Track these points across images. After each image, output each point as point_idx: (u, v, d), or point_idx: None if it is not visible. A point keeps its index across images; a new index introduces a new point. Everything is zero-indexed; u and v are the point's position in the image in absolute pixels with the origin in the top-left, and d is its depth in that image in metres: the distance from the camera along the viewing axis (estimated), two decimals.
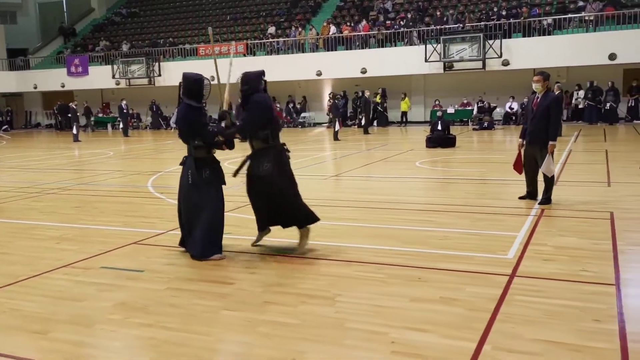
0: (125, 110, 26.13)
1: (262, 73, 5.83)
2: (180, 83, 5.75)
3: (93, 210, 8.40)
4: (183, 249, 5.75)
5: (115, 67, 30.04)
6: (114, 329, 3.89)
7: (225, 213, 5.72)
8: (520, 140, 7.70)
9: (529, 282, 4.57)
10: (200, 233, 5.47)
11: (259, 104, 5.65)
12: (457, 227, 6.47)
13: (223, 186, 5.77)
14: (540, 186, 7.61)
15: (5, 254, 5.88)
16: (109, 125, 31.59)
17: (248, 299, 4.39)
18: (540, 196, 7.63)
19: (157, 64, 29.32)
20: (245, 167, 5.80)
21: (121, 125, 26.44)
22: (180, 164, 5.82)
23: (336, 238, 6.18)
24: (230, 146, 5.84)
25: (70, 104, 26.21)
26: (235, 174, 5.73)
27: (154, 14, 37.08)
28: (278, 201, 5.58)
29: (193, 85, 5.70)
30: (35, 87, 33.00)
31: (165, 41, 31.89)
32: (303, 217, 5.68)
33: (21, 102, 36.07)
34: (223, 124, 5.82)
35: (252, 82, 5.71)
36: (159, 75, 29.18)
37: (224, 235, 5.66)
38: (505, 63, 23.25)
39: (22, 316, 4.16)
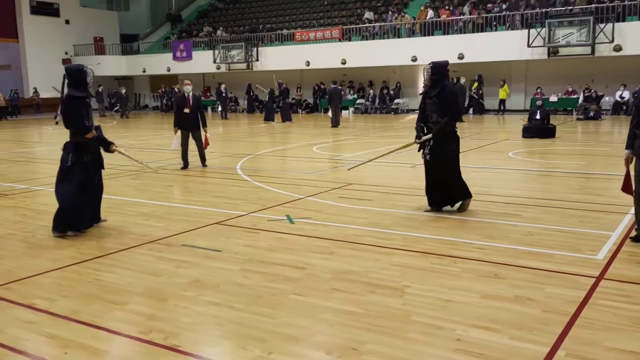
0: (224, 94, 27.07)
1: (447, 64, 6.71)
2: (64, 75, 6.13)
3: (183, 189, 8.80)
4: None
5: (216, 52, 31.14)
6: (186, 305, 4.04)
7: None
8: (628, 152, 5.37)
9: (617, 286, 4.23)
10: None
11: (454, 93, 6.89)
12: (544, 223, 6.11)
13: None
14: None
15: (98, 228, 6.29)
16: (209, 108, 32.88)
17: (316, 285, 4.40)
18: None
19: (255, 49, 30.04)
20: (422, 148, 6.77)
21: (219, 109, 27.42)
22: (62, 149, 6.15)
23: (415, 229, 6.05)
24: (102, 145, 6.23)
25: (174, 87, 27.52)
26: (421, 147, 6.76)
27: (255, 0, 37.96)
28: (452, 179, 6.58)
29: (76, 75, 6.02)
30: (144, 71, 34.97)
31: (264, 27, 32.58)
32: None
33: (131, 85, 38.38)
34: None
35: (442, 72, 6.57)
36: (257, 60, 29.89)
37: (302, 220, 5.70)
38: (618, 48, 21.56)
39: (103, 286, 4.43)
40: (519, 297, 4.06)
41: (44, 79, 33.09)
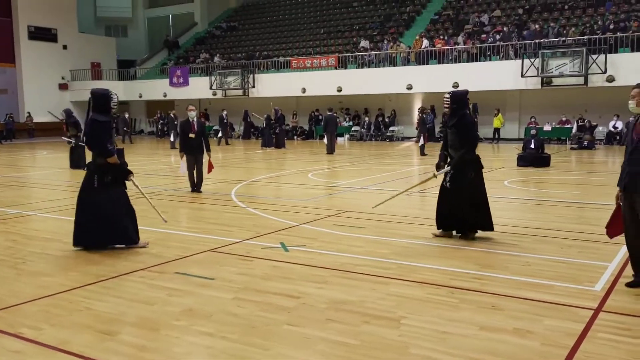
0: (225, 120, 27.21)
1: (466, 92, 6.73)
2: (89, 99, 6.22)
3: (178, 215, 8.71)
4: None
5: (212, 78, 31.34)
6: (177, 335, 3.95)
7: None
8: (619, 189, 4.94)
9: (616, 319, 4.16)
10: (124, 227, 6.28)
11: (472, 124, 6.76)
12: (542, 253, 6.07)
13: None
14: None
15: (90, 254, 6.20)
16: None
17: (311, 315, 4.32)
18: None
19: (251, 75, 30.25)
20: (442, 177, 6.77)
21: (219, 134, 27.49)
22: (84, 169, 6.45)
23: (412, 257, 5.99)
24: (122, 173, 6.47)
25: (170, 113, 27.60)
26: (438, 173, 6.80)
27: (251, 27, 38.40)
28: (477, 203, 6.56)
29: (100, 99, 6.19)
30: (141, 96, 35.09)
31: (261, 54, 32.88)
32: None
33: (127, 110, 38.45)
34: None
35: (461, 101, 6.61)
36: (253, 86, 30.07)
37: (297, 247, 5.65)
38: (610, 79, 21.83)
39: (94, 315, 4.33)
40: (518, 329, 3.99)
41: (40, 103, 33.12)
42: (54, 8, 34.81)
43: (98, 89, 6.42)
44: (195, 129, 10.65)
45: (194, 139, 10.60)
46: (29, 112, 33.44)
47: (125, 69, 37.36)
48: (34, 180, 13.85)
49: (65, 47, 35.76)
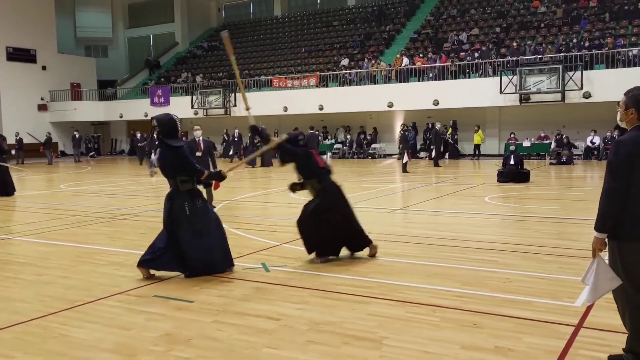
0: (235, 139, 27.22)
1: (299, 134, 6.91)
2: (155, 126, 6.11)
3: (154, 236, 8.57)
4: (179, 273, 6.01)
5: (194, 97, 31.28)
6: None
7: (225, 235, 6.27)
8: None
9: (597, 335, 4.17)
10: (220, 253, 6.04)
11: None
12: (522, 269, 6.08)
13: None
14: None
15: (66, 278, 6.07)
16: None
17: (291, 337, 4.26)
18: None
19: (233, 94, 30.26)
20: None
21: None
22: (168, 199, 6.11)
23: (392, 275, 5.96)
24: (217, 177, 6.49)
25: (151, 132, 27.45)
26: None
27: (233, 46, 38.43)
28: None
29: (168, 124, 6.07)
30: (121, 117, 34.89)
31: (242, 73, 32.94)
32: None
33: (108, 130, 38.22)
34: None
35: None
36: (235, 105, 30.07)
37: (277, 268, 5.59)
38: (587, 95, 22.22)
39: (69, 342, 4.22)
40: (500, 347, 3.97)
41: (19, 124, 32.67)
42: (33, 29, 34.57)
43: (161, 115, 6.23)
44: (202, 147, 10.76)
45: (201, 158, 10.61)
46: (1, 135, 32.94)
47: (106, 90, 37.15)
48: (10, 204, 13.60)
49: (44, 67, 35.50)
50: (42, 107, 35.43)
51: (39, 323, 4.67)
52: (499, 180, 15.07)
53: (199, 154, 10.65)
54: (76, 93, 36.14)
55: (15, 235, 8.89)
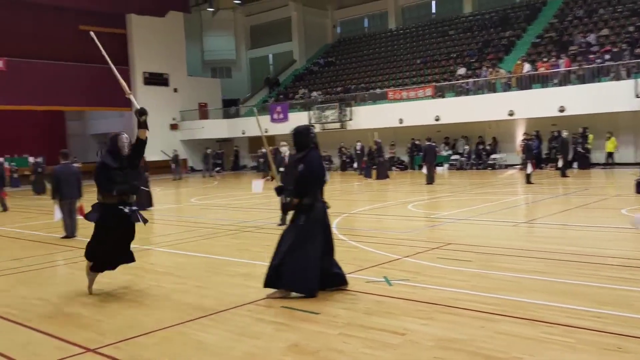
0: (359, 151, 27.68)
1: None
2: (293, 135, 6.06)
3: None
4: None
5: (311, 112, 32.13)
6: None
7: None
8: None
9: None
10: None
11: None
12: None
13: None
14: None
15: (201, 287, 6.48)
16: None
17: (417, 353, 4.21)
18: None
19: (349, 108, 30.67)
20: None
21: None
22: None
23: (520, 292, 5.70)
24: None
25: (274, 148, 28.58)
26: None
27: (348, 61, 39.10)
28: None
29: (301, 133, 6.04)
30: (243, 133, 36.67)
31: (357, 86, 33.31)
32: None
33: (231, 146, 40.32)
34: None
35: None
36: (350, 119, 30.43)
37: (400, 282, 5.57)
38: None
39: (203, 349, 4.50)
40: None
41: (154, 142, 35.32)
42: (166, 55, 37.59)
43: (300, 125, 6.24)
44: (287, 162, 11.01)
45: (285, 172, 10.87)
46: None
47: (229, 108, 39.39)
48: (149, 216, 14.74)
49: (175, 90, 38.37)
50: (174, 127, 38.23)
51: (179, 329, 5.01)
52: (637, 191, 13.88)
53: (282, 169, 10.83)
54: (203, 112, 38.70)
55: (155, 246, 9.64)
